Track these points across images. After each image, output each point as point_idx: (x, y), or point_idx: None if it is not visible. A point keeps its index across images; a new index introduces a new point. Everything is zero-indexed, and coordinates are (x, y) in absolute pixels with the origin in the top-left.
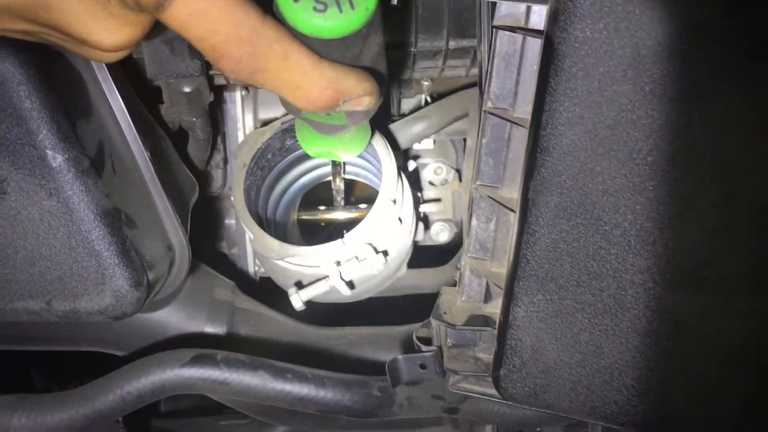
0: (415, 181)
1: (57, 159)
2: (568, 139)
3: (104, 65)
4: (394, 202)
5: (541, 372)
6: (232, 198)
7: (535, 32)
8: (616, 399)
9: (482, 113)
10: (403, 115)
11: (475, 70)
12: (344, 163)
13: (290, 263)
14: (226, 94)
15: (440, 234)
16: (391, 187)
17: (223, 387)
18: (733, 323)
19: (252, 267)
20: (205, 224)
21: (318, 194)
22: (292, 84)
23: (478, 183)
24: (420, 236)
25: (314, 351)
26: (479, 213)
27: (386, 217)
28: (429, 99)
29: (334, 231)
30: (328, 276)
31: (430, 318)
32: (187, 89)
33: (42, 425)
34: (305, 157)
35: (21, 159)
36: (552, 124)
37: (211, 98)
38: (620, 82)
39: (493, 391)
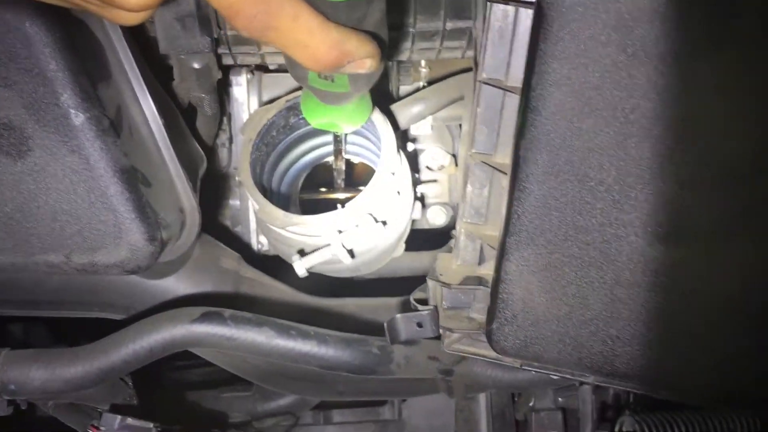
0: (412, 164)
1: (79, 117)
2: (557, 99)
3: (122, 36)
4: (393, 174)
5: (530, 324)
6: (237, 177)
7: (527, 3)
8: (601, 350)
9: (477, 84)
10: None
11: (470, 53)
12: (346, 136)
13: (293, 233)
14: (232, 78)
15: (437, 217)
16: (390, 158)
17: (230, 342)
18: (711, 272)
19: (255, 244)
20: (210, 203)
21: (319, 176)
22: (301, 42)
23: (473, 151)
24: (417, 214)
25: (316, 317)
26: (474, 179)
27: (386, 187)
28: (426, 85)
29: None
30: (329, 244)
31: (426, 278)
32: (196, 65)
33: (59, 377)
34: (308, 135)
35: (45, 117)
36: (541, 86)
37: (219, 75)
38: (604, 45)
39: (487, 352)
